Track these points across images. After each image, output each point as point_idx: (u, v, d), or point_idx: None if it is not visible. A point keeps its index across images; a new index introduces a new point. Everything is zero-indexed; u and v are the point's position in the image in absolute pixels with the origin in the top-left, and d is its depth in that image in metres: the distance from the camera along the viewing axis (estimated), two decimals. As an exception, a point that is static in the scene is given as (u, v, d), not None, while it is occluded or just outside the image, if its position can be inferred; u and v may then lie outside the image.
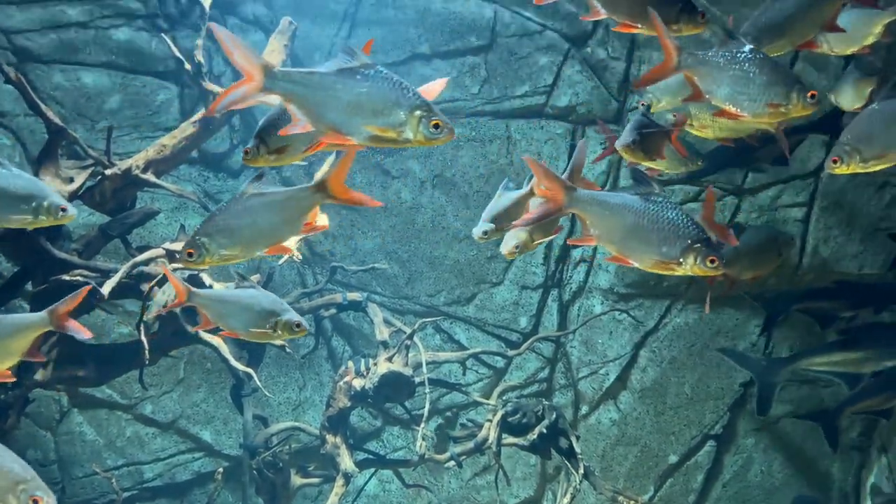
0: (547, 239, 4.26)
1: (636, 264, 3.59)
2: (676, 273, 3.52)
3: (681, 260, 3.45)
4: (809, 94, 3.58)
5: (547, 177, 3.61)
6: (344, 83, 3.13)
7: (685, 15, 3.76)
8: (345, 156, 3.50)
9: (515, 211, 4.06)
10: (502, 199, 4.13)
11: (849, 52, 4.61)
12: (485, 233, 4.06)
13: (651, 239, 3.50)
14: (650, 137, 4.39)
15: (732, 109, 3.62)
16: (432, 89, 3.58)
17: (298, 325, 4.05)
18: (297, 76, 3.17)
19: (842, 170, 3.64)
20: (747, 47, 3.60)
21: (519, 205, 4.06)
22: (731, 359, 6.28)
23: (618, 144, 4.51)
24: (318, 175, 3.92)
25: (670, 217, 3.49)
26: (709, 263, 3.42)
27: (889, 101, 3.62)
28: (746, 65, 3.55)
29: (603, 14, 3.91)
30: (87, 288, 4.05)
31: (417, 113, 3.10)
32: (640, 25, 3.81)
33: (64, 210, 3.84)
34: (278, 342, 5.29)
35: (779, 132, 4.73)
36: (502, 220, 4.05)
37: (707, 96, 3.65)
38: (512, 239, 4.00)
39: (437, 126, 3.11)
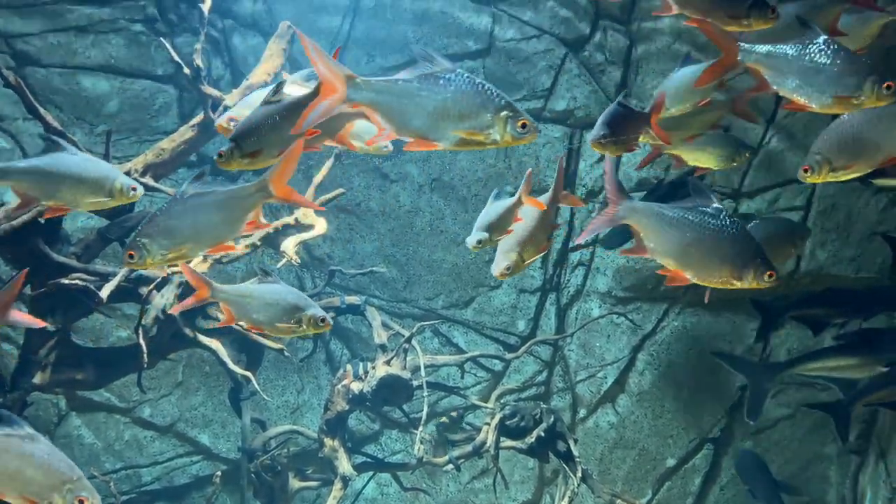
0: (537, 258, 4.27)
1: (694, 280, 3.58)
2: (733, 288, 3.52)
3: (741, 276, 3.45)
4: (885, 86, 3.45)
5: (610, 185, 3.69)
6: (428, 89, 3.17)
7: (755, 10, 3.74)
8: (287, 157, 3.51)
9: (507, 219, 4.10)
10: (494, 207, 4.17)
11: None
12: (479, 242, 4.09)
13: (711, 255, 3.51)
14: (623, 128, 4.12)
15: (801, 101, 3.54)
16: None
17: (323, 320, 4.06)
18: (379, 85, 3.20)
19: (813, 178, 3.69)
20: (821, 38, 3.51)
21: (510, 213, 4.11)
22: (726, 363, 6.28)
23: (589, 140, 4.31)
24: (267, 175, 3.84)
25: (730, 232, 3.49)
26: (767, 278, 3.44)
27: (858, 112, 3.65)
28: (815, 55, 3.46)
29: (675, 9, 3.89)
30: (24, 272, 4.02)
31: (504, 114, 3.13)
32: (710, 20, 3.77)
33: (134, 189, 3.92)
34: (302, 334, 5.22)
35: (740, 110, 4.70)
36: (495, 229, 4.09)
37: (774, 89, 3.58)
38: (503, 261, 4.03)
39: (523, 126, 3.14)
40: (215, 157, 3.56)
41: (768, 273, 3.38)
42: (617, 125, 4.04)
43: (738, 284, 3.47)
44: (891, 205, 6.33)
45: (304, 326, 4.08)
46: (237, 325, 5.28)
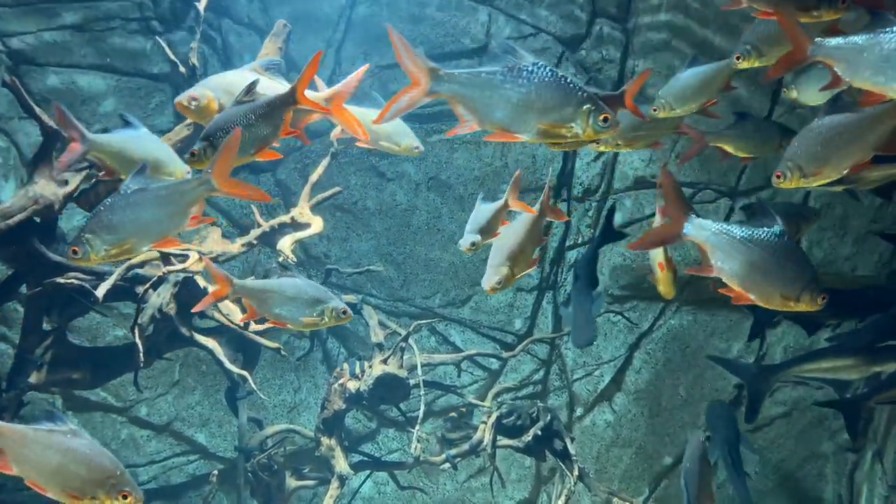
0: (528, 272, 4.29)
1: (758, 301, 3.58)
2: (788, 309, 3.54)
3: (799, 298, 3.48)
4: None
5: (672, 200, 3.63)
6: (511, 82, 3.18)
7: (825, 1, 3.68)
8: (226, 148, 3.49)
9: (496, 222, 4.16)
10: (482, 210, 4.22)
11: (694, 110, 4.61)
12: (472, 244, 4.14)
13: (775, 277, 3.52)
14: None
15: (878, 91, 3.44)
16: (353, 79, 3.74)
17: (345, 312, 4.10)
18: (462, 78, 3.23)
19: (785, 184, 3.72)
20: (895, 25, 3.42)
21: (498, 215, 4.16)
22: (721, 365, 6.27)
23: None
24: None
25: (793, 256, 3.52)
26: (820, 301, 3.47)
27: (828, 119, 3.68)
28: (889, 43, 3.36)
29: (745, 3, 3.85)
30: None
31: (586, 108, 3.14)
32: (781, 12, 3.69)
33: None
34: (324, 326, 5.24)
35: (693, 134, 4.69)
36: (485, 232, 4.15)
37: (848, 81, 3.50)
38: (495, 275, 4.04)
39: (605, 119, 3.15)
40: (186, 157, 3.55)
41: (822, 296, 3.40)
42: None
43: (793, 307, 3.47)
44: (886, 203, 6.34)
45: (327, 319, 4.12)
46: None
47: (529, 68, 3.17)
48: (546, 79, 3.15)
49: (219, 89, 3.78)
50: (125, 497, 3.41)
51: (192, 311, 5.06)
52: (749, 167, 6.40)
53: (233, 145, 3.49)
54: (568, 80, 3.17)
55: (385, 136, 4.58)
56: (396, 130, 4.60)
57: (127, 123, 4.24)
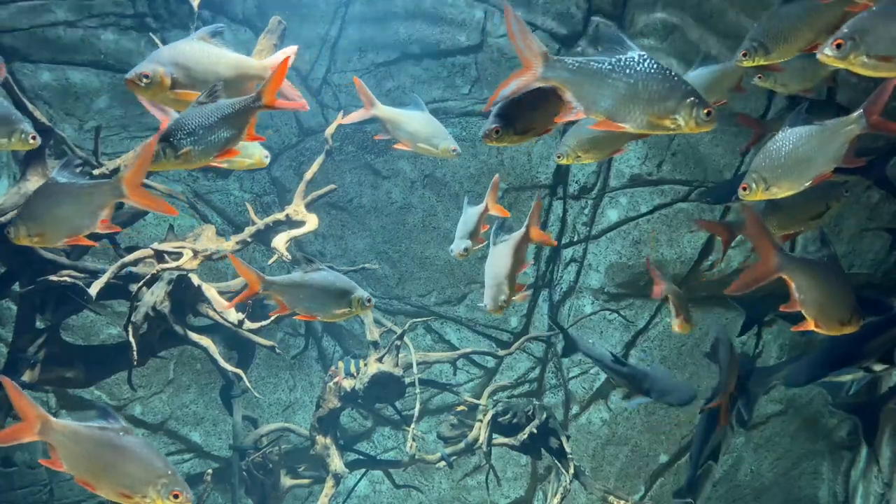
0: (523, 295, 4.49)
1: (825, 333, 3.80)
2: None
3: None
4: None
5: (759, 238, 3.83)
6: (620, 71, 3.19)
7: None
8: (140, 157, 3.55)
9: (479, 226, 4.37)
10: (469, 215, 4.38)
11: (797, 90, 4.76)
12: (465, 250, 4.30)
13: (841, 306, 3.79)
14: (525, 112, 3.69)
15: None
16: (279, 59, 3.69)
17: (369, 300, 4.22)
18: (574, 65, 3.25)
19: (751, 197, 3.78)
20: None
21: (481, 220, 4.35)
22: (717, 365, 6.26)
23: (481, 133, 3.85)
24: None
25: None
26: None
27: (791, 132, 3.73)
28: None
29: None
30: None
31: (690, 100, 3.17)
32: None
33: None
34: (350, 316, 5.25)
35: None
36: (475, 235, 4.37)
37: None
38: (500, 294, 4.13)
39: (708, 113, 3.18)
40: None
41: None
42: (517, 110, 3.65)
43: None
44: (882, 201, 6.34)
45: (353, 309, 4.22)
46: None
47: (636, 59, 3.20)
48: (652, 70, 3.18)
49: (170, 63, 3.67)
50: (176, 497, 3.41)
51: (226, 307, 5.09)
52: (745, 165, 6.39)
53: (147, 155, 3.49)
54: (673, 73, 3.21)
55: (423, 138, 4.65)
56: (435, 133, 4.67)
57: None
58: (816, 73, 4.74)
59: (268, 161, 4.53)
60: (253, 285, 4.19)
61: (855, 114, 3.66)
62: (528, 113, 3.62)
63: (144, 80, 3.64)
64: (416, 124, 4.59)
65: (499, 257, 4.21)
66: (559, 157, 4.05)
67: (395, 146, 4.69)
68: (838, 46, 3.34)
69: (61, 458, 3.45)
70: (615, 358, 5.67)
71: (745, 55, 4.08)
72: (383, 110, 4.61)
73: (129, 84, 3.66)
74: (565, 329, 5.90)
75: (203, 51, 3.67)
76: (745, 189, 3.76)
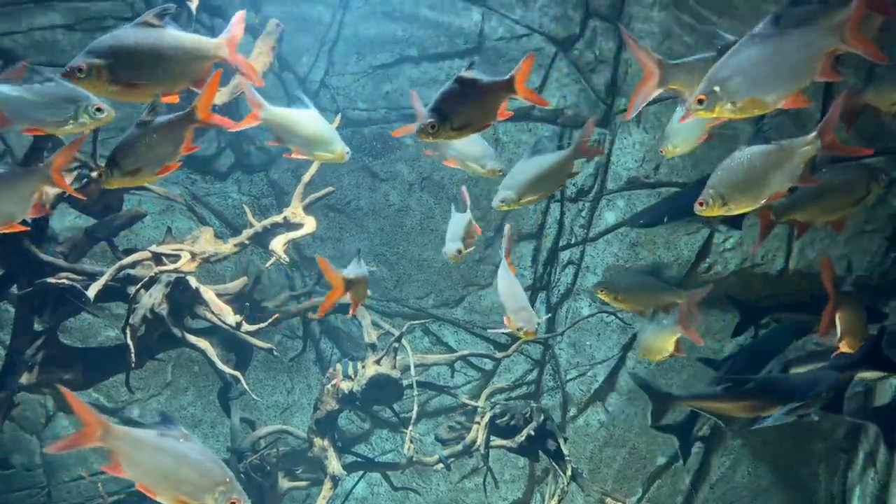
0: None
1: None
2: None
3: None
4: None
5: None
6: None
7: None
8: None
9: (471, 229, 4.61)
10: (457, 220, 4.60)
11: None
12: (458, 251, 4.42)
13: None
14: (464, 107, 3.57)
15: None
16: (236, 33, 3.74)
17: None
18: (686, 67, 3.58)
19: (708, 212, 3.84)
20: None
21: (471, 225, 4.64)
22: (712, 368, 6.28)
23: (415, 130, 3.74)
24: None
25: None
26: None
27: (748, 150, 3.79)
28: None
29: None
30: None
31: None
32: None
33: None
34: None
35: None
36: (466, 238, 4.58)
37: None
38: (534, 318, 4.36)
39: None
40: (95, 175, 3.94)
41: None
42: (453, 106, 3.57)
43: None
44: (878, 203, 6.35)
45: None
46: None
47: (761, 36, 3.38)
48: (770, 52, 3.36)
49: (108, 53, 3.59)
50: None
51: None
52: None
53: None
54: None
55: (473, 158, 4.71)
56: (484, 154, 4.70)
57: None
58: None
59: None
60: (338, 288, 4.30)
61: (810, 135, 3.75)
62: (465, 108, 3.59)
63: (79, 73, 3.58)
64: (309, 127, 4.37)
65: (512, 281, 4.39)
66: (501, 203, 4.28)
67: (445, 163, 4.73)
68: (700, 102, 3.43)
69: (122, 465, 3.43)
70: (730, 380, 5.31)
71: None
72: (272, 113, 4.27)
73: (67, 79, 3.64)
74: (653, 392, 5.61)
75: (145, 35, 3.56)
76: (701, 204, 3.82)
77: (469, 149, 4.65)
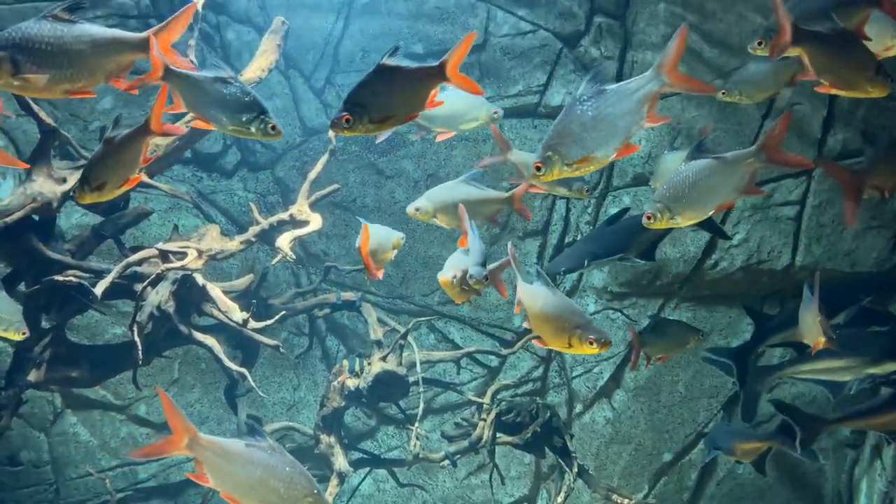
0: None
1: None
2: None
3: None
4: None
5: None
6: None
7: None
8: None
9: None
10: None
11: (760, 99, 4.98)
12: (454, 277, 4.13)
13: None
14: (378, 97, 3.31)
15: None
16: (167, 28, 3.61)
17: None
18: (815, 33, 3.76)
19: (656, 225, 3.91)
20: None
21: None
22: (717, 367, 6.27)
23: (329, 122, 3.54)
24: None
25: None
26: None
27: (694, 163, 3.86)
28: None
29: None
30: None
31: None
32: None
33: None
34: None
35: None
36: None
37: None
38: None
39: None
40: (71, 194, 4.07)
41: None
42: (372, 97, 3.30)
43: None
44: (885, 200, 6.33)
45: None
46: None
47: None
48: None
49: (10, 46, 3.35)
50: None
51: (140, 318, 5.04)
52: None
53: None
54: None
55: (461, 115, 4.58)
56: (470, 105, 4.55)
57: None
58: (778, 80, 4.90)
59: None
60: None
61: (754, 147, 3.84)
62: (385, 100, 3.32)
63: None
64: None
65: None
66: (416, 210, 4.41)
67: (438, 139, 4.71)
68: (539, 168, 3.50)
69: (207, 474, 3.46)
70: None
71: (759, 43, 4.21)
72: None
73: None
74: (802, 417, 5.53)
75: (51, 27, 3.42)
76: (649, 218, 3.89)
77: (455, 109, 4.57)
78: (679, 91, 3.57)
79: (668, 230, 5.07)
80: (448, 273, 4.13)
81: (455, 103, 4.53)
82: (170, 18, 3.62)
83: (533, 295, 4.01)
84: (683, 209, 3.86)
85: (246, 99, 3.49)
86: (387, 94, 3.31)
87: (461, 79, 3.47)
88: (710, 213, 3.94)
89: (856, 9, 3.97)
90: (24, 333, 4.42)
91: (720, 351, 6.07)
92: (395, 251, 4.41)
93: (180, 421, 3.44)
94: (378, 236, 4.42)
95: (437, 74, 3.43)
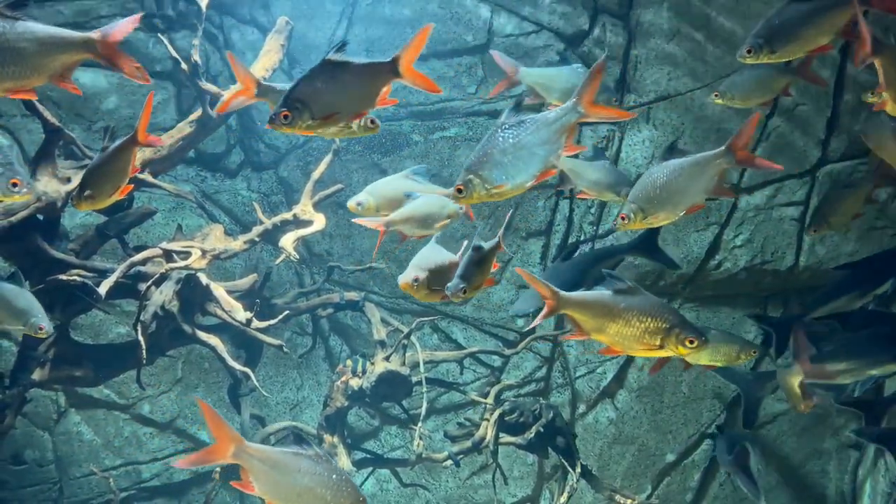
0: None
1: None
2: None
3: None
4: None
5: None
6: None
7: None
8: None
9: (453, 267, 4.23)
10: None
11: (752, 104, 4.97)
12: (416, 280, 4.11)
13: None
14: (321, 94, 3.14)
15: None
16: (114, 28, 3.53)
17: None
18: None
19: (630, 226, 4.00)
20: None
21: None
22: (718, 373, 6.27)
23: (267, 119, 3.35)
24: None
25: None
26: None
27: (664, 164, 3.93)
28: None
29: None
30: None
31: None
32: None
33: None
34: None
35: None
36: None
37: None
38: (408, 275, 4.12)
39: None
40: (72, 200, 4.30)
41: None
42: (315, 93, 3.14)
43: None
44: (890, 200, 6.33)
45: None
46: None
47: None
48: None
49: None
50: None
51: (144, 318, 5.04)
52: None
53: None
54: None
55: (577, 174, 4.87)
56: (618, 181, 4.88)
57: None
58: (770, 86, 4.96)
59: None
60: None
61: (721, 148, 3.86)
62: (331, 95, 3.15)
63: None
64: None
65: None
66: (358, 205, 4.55)
67: (580, 196, 4.99)
68: (459, 191, 3.61)
69: (253, 482, 3.43)
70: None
71: (749, 51, 4.19)
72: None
73: None
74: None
75: None
76: (623, 219, 3.97)
77: (602, 177, 4.82)
78: (596, 122, 3.65)
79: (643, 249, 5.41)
80: (409, 276, 3.98)
81: (601, 174, 4.83)
82: (119, 21, 3.58)
83: (607, 298, 3.89)
84: (656, 210, 3.93)
85: None
86: (331, 91, 3.16)
87: (415, 75, 3.29)
88: (682, 213, 3.98)
89: (838, 10, 3.98)
90: (41, 328, 4.40)
91: (765, 318, 6.14)
92: (450, 220, 4.51)
93: (225, 430, 3.41)
94: (432, 203, 4.45)
95: (390, 70, 3.26)
